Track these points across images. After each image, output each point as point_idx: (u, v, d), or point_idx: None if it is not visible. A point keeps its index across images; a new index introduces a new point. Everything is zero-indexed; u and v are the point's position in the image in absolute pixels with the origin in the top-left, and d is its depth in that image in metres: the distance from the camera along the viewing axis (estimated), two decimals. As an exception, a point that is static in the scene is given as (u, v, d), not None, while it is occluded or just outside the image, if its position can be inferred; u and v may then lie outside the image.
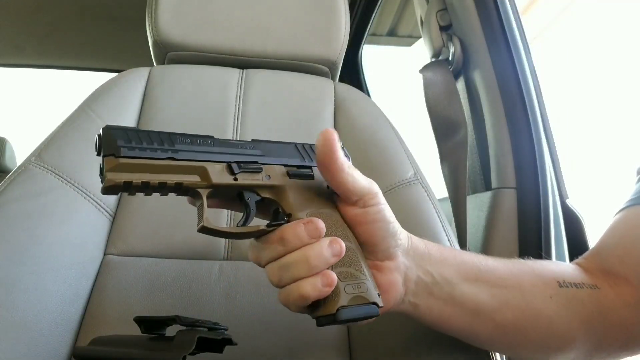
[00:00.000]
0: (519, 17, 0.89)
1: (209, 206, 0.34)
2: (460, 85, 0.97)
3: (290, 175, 0.38)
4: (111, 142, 0.31)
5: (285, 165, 0.38)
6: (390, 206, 0.40)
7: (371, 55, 1.74)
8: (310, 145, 0.41)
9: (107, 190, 0.31)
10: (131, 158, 0.31)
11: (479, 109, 0.92)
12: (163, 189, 0.32)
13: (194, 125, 0.72)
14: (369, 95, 1.66)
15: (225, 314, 0.56)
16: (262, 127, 0.73)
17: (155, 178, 0.31)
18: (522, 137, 0.85)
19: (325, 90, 0.79)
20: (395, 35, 1.88)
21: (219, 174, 0.34)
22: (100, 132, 0.32)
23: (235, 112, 0.74)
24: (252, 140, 0.38)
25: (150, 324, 0.45)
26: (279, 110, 0.75)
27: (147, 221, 0.63)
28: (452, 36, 0.94)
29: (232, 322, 0.52)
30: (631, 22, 1.20)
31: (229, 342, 0.44)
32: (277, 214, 0.37)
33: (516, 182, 0.84)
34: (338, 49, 0.81)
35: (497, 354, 0.54)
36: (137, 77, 0.75)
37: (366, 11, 1.57)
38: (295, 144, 0.40)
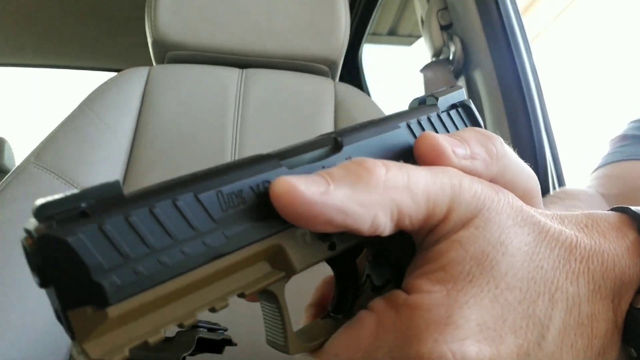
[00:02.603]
0: (519, 17, 0.89)
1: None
2: (461, 84, 0.96)
3: None
4: (82, 276, 0.13)
5: None
6: None
7: (371, 54, 1.74)
8: (429, 117, 0.23)
9: None
10: (131, 298, 0.14)
11: (480, 108, 0.92)
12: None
13: (193, 125, 0.71)
14: (369, 95, 1.65)
15: (225, 314, 0.56)
16: (261, 126, 0.73)
17: (187, 310, 0.16)
18: (523, 136, 0.85)
19: (325, 90, 0.79)
20: (395, 34, 1.88)
21: (304, 249, 0.18)
22: (31, 244, 0.13)
23: (234, 111, 0.74)
24: (325, 138, 0.20)
25: (150, 325, 0.45)
26: (279, 110, 0.75)
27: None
28: (453, 35, 0.94)
29: (232, 323, 0.52)
30: (630, 21, 1.20)
31: (229, 342, 0.44)
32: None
33: (517, 182, 0.84)
34: (338, 49, 0.81)
35: None
36: (137, 77, 0.75)
37: (366, 10, 1.56)
38: (408, 123, 0.21)
